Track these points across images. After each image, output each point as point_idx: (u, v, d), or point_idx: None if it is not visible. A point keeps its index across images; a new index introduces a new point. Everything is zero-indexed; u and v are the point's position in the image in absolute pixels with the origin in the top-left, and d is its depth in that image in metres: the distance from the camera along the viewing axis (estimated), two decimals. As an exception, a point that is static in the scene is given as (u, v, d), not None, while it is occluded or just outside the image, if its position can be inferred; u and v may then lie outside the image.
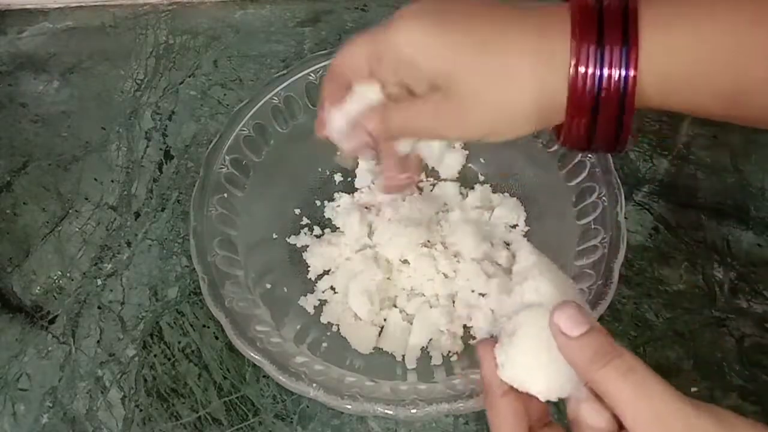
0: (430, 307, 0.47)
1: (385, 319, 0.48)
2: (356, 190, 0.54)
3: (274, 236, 0.51)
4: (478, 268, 0.48)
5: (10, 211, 0.57)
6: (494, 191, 0.53)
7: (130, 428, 0.46)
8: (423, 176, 0.54)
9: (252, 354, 0.41)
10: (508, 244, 0.50)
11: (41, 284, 0.53)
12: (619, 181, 0.46)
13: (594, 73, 0.29)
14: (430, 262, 0.48)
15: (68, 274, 0.53)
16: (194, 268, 0.45)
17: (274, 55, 0.66)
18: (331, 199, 0.54)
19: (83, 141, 0.61)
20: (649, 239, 0.52)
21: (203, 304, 0.45)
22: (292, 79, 0.53)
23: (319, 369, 0.41)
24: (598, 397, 0.28)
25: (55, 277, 0.53)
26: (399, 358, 0.46)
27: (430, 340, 0.46)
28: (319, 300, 0.49)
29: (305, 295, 0.49)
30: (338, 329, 0.48)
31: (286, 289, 0.49)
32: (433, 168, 0.52)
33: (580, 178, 0.48)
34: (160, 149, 0.60)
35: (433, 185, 0.54)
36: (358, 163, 0.53)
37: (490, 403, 0.31)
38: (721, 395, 0.45)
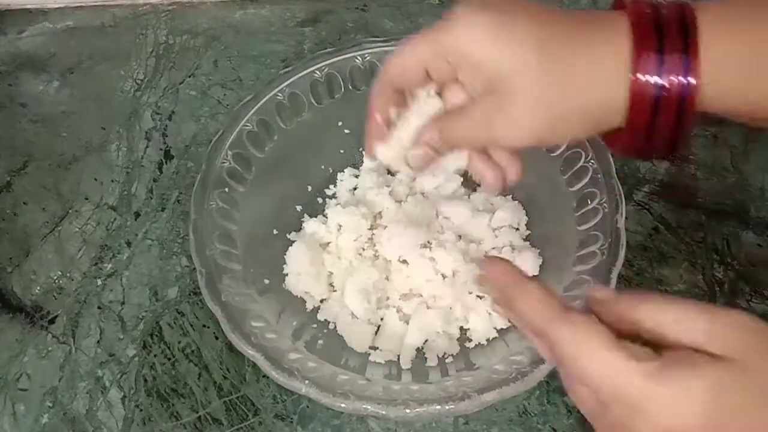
0: (428, 308, 0.47)
1: (381, 319, 0.48)
2: (356, 188, 0.54)
3: (275, 232, 0.51)
4: (477, 270, 0.48)
5: (10, 211, 0.57)
6: (496, 194, 0.53)
7: (130, 428, 0.46)
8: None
9: (246, 349, 0.41)
10: (512, 248, 0.50)
11: (41, 284, 0.53)
12: (620, 187, 0.46)
13: (654, 81, 0.29)
14: (428, 262, 0.48)
15: (68, 274, 0.53)
16: (194, 268, 0.45)
17: (274, 55, 0.66)
18: (333, 196, 0.54)
19: (83, 141, 0.61)
20: (649, 239, 0.52)
21: (203, 304, 0.45)
22: (297, 75, 0.53)
23: (312, 366, 0.41)
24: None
25: (55, 277, 0.53)
26: (394, 358, 0.46)
27: (426, 341, 0.46)
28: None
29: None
30: (335, 327, 0.48)
31: (284, 286, 0.49)
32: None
33: (581, 183, 0.48)
34: (160, 149, 0.60)
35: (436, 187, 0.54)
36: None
37: (557, 326, 0.28)
38: (721, 395, 0.45)
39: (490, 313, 0.47)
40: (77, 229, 0.56)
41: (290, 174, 0.53)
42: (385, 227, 0.49)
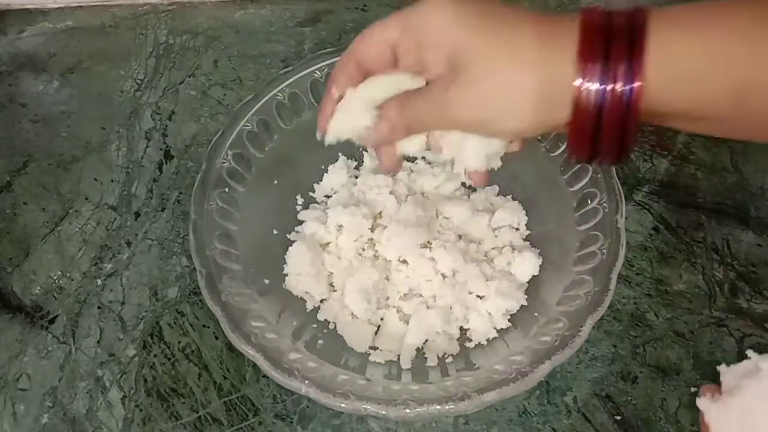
0: (427, 308, 0.47)
1: (381, 319, 0.48)
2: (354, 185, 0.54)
3: (275, 232, 0.51)
4: (477, 270, 0.48)
5: (10, 211, 0.57)
6: (496, 194, 0.53)
7: (130, 428, 0.46)
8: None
9: (246, 349, 0.41)
10: (512, 248, 0.50)
11: (41, 284, 0.53)
12: (620, 187, 0.46)
13: (598, 88, 0.30)
14: (428, 262, 0.48)
15: (68, 274, 0.53)
16: (194, 268, 0.45)
17: (274, 55, 0.66)
18: (331, 194, 0.54)
19: (83, 141, 0.61)
20: (649, 239, 0.52)
21: (203, 304, 0.45)
22: (297, 76, 0.53)
23: (312, 366, 0.41)
24: None
25: (55, 277, 0.53)
26: (394, 358, 0.46)
27: (426, 341, 0.46)
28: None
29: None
30: (335, 327, 0.48)
31: (284, 286, 0.49)
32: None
33: (581, 183, 0.48)
34: (160, 149, 0.60)
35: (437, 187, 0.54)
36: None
37: None
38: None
39: (490, 313, 0.47)
40: (77, 229, 0.56)
41: (290, 174, 0.53)
42: (385, 227, 0.49)
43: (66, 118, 0.63)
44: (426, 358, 0.45)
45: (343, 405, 0.39)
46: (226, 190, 0.49)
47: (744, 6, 0.30)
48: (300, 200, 0.53)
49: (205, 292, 0.43)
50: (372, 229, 0.51)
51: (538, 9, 0.67)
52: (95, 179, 0.59)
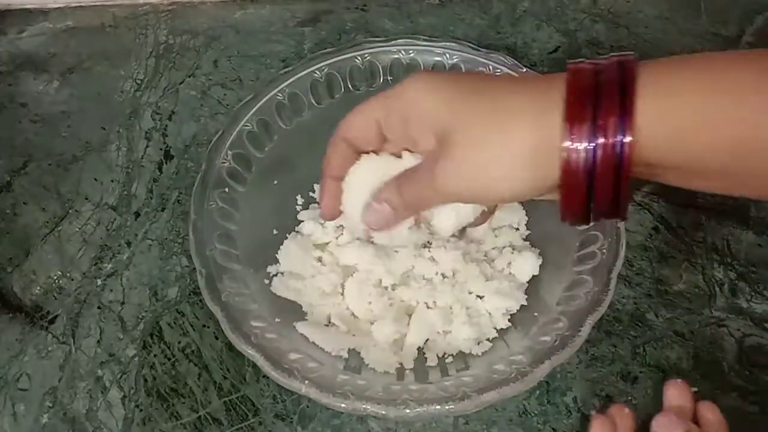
0: (428, 308, 0.47)
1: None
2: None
3: (275, 232, 0.51)
4: (477, 270, 0.48)
5: (10, 211, 0.57)
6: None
7: (130, 428, 0.46)
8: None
9: (246, 349, 0.41)
10: (512, 248, 0.50)
11: (41, 284, 0.53)
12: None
13: (587, 148, 0.29)
14: (428, 263, 0.48)
15: (68, 274, 0.53)
16: (194, 269, 0.45)
17: (274, 55, 0.66)
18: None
19: (83, 141, 0.61)
20: (649, 239, 0.52)
21: (203, 304, 0.45)
22: (297, 76, 0.53)
23: (312, 366, 0.41)
24: None
25: (55, 277, 0.53)
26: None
27: (427, 340, 0.46)
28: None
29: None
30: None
31: (277, 285, 0.49)
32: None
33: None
34: (160, 149, 0.60)
35: None
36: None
37: None
38: (721, 395, 0.45)
39: (490, 313, 0.47)
40: (77, 229, 0.56)
41: (290, 174, 0.53)
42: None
43: (66, 118, 0.63)
44: (426, 358, 0.45)
45: (343, 405, 0.39)
46: (226, 190, 0.49)
47: (739, 60, 0.29)
48: (300, 200, 0.53)
49: (205, 292, 0.43)
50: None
51: (537, 9, 0.67)
52: (95, 179, 0.59)
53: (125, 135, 0.61)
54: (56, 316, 0.51)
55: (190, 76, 0.65)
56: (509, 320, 0.47)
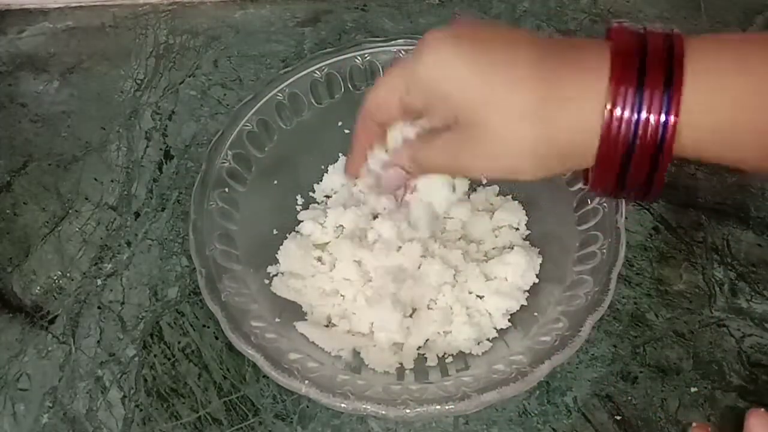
0: (428, 308, 0.47)
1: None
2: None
3: (275, 232, 0.51)
4: (477, 270, 0.48)
5: (10, 211, 0.57)
6: (496, 194, 0.53)
7: (130, 428, 0.46)
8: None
9: (246, 349, 0.41)
10: (512, 248, 0.50)
11: (41, 284, 0.53)
12: (620, 186, 0.46)
13: (630, 118, 0.27)
14: (428, 262, 0.48)
15: (68, 274, 0.53)
16: (194, 268, 0.45)
17: (274, 55, 0.66)
18: (331, 194, 0.54)
19: (83, 141, 0.61)
20: (649, 239, 0.52)
21: (203, 304, 0.45)
22: (297, 76, 0.53)
23: (312, 366, 0.41)
24: None
25: (55, 277, 0.53)
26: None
27: (427, 340, 0.46)
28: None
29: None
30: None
31: (277, 285, 0.49)
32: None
33: (581, 183, 0.47)
34: (160, 149, 0.60)
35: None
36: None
37: None
38: (721, 395, 0.45)
39: (490, 313, 0.47)
40: (77, 229, 0.56)
41: (290, 174, 0.53)
42: (385, 227, 0.49)
43: (66, 118, 0.63)
44: (426, 358, 0.45)
45: (343, 405, 0.39)
46: (226, 190, 0.49)
47: None
48: (300, 200, 0.53)
49: (204, 292, 0.43)
50: (373, 229, 0.51)
51: (537, 9, 0.67)
52: (95, 179, 0.59)
53: (125, 135, 0.61)
54: (56, 316, 0.51)
55: (190, 76, 0.65)
56: (509, 320, 0.47)
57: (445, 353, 0.46)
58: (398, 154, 0.38)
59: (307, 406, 0.46)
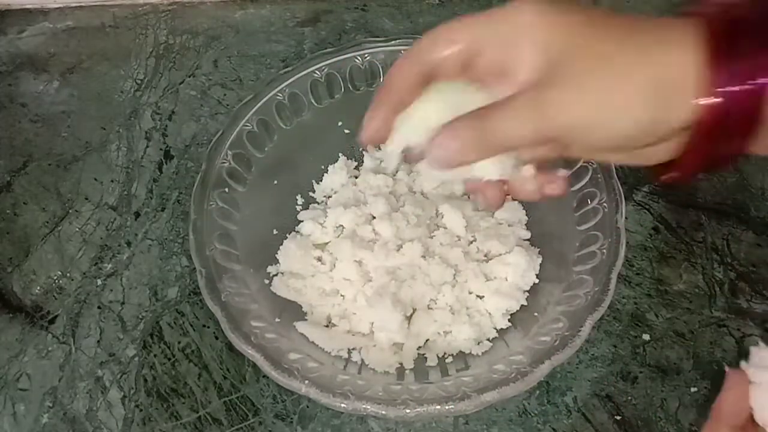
0: (428, 308, 0.47)
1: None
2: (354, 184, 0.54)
3: (275, 232, 0.51)
4: (477, 270, 0.48)
5: (10, 211, 0.57)
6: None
7: (130, 428, 0.46)
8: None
9: (246, 349, 0.41)
10: (512, 249, 0.50)
11: (41, 284, 0.53)
12: (620, 187, 0.46)
13: (729, 85, 0.27)
14: (428, 262, 0.48)
15: (68, 274, 0.53)
16: (194, 268, 0.45)
17: (274, 55, 0.66)
18: (331, 194, 0.54)
19: (83, 141, 0.61)
20: (649, 239, 0.52)
21: (203, 304, 0.45)
22: (297, 76, 0.53)
23: (312, 366, 0.41)
24: None
25: (55, 277, 0.53)
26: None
27: (427, 340, 0.46)
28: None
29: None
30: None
31: (277, 285, 0.49)
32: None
33: (581, 183, 0.48)
34: (160, 149, 0.60)
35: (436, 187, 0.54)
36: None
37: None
38: (721, 395, 0.45)
39: (490, 313, 0.47)
40: (77, 229, 0.56)
41: (290, 174, 0.53)
42: (384, 227, 0.49)
43: (66, 118, 0.63)
44: (426, 358, 0.45)
45: (343, 405, 0.39)
46: (226, 190, 0.49)
47: None
48: (300, 200, 0.53)
49: (204, 292, 0.43)
50: (371, 228, 0.51)
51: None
52: (95, 179, 0.59)
53: (125, 135, 0.61)
54: (56, 316, 0.51)
55: (190, 76, 0.65)
56: (509, 320, 0.47)
57: (445, 353, 0.46)
58: (457, 122, 0.30)
59: (307, 406, 0.46)
